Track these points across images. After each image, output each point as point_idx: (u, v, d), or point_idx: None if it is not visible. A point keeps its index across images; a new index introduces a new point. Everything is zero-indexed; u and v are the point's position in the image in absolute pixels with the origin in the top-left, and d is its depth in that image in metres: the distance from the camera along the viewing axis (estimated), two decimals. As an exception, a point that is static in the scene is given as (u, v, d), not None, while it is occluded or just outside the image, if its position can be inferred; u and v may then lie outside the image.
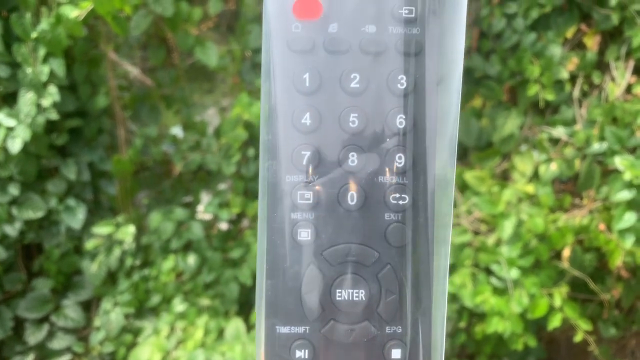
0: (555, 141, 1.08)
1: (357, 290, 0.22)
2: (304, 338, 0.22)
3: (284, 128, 0.22)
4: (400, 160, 0.22)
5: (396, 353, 0.22)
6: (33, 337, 1.13)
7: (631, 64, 1.07)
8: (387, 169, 0.22)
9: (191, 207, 1.26)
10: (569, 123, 1.09)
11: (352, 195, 0.22)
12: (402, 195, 0.22)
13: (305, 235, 0.22)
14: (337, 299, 0.22)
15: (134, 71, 1.43)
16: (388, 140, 0.22)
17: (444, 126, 0.22)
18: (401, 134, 0.22)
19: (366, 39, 0.22)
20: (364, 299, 0.22)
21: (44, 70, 0.99)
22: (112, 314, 1.13)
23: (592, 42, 1.09)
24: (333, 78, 0.22)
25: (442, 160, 0.22)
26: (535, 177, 1.07)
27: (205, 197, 1.29)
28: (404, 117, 0.22)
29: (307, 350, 0.22)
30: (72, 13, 0.94)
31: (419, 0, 0.22)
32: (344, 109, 0.22)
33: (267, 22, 0.22)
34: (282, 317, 0.22)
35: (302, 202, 0.22)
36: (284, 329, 0.22)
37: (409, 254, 0.22)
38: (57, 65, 0.99)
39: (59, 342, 1.15)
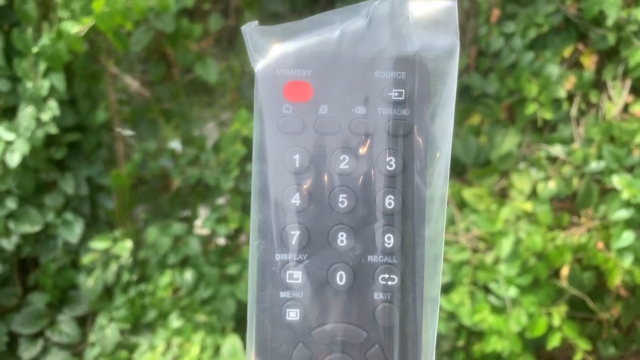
0: (553, 159, 1.09)
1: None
2: None
3: (274, 208, 0.22)
4: (389, 241, 0.22)
5: None
6: (27, 352, 1.12)
7: (628, 83, 1.08)
8: (376, 249, 0.22)
9: (189, 222, 1.26)
10: (567, 141, 1.09)
11: (341, 276, 0.22)
12: (391, 276, 0.22)
13: (293, 315, 0.22)
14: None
15: (133, 84, 1.44)
16: (377, 220, 0.22)
17: (432, 205, 0.22)
18: (390, 214, 0.22)
19: (356, 121, 0.22)
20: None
21: (44, 85, 1.00)
22: (108, 330, 1.11)
23: (589, 62, 1.10)
24: (323, 159, 0.22)
25: (431, 236, 0.22)
26: (533, 195, 1.07)
27: (203, 212, 1.29)
28: (392, 197, 0.22)
29: None
30: (73, 29, 0.95)
31: (408, 83, 0.22)
32: (333, 189, 0.22)
33: (258, 103, 0.23)
34: None
35: (291, 282, 0.22)
36: None
37: (397, 333, 0.22)
38: (57, 80, 1.00)
39: (54, 357, 1.13)
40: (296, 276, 0.22)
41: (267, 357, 0.22)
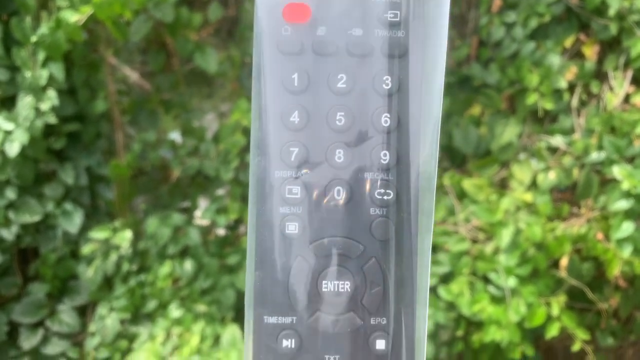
0: (553, 150, 1.08)
1: (342, 282, 0.23)
2: (290, 328, 0.23)
3: (274, 126, 0.23)
4: (385, 157, 0.23)
5: (380, 344, 0.23)
6: (27, 342, 1.12)
7: (629, 73, 1.07)
8: (372, 166, 0.23)
9: (188, 212, 1.26)
10: (568, 132, 1.09)
11: (339, 191, 0.23)
12: (387, 191, 0.23)
13: (292, 228, 0.23)
14: (323, 290, 0.23)
15: (133, 76, 1.43)
16: (373, 138, 0.23)
17: (427, 125, 0.23)
18: (386, 132, 0.23)
19: (353, 42, 0.23)
20: (349, 290, 0.23)
21: (43, 74, 0.99)
22: (108, 320, 1.12)
23: (590, 52, 1.09)
24: (321, 78, 0.23)
25: (425, 156, 0.23)
26: (533, 185, 1.07)
27: (202, 203, 1.29)
28: (388, 116, 0.23)
29: (293, 340, 0.23)
30: (72, 18, 0.94)
31: (404, 5, 0.23)
32: (331, 108, 0.23)
33: (258, 25, 0.23)
34: (269, 308, 0.23)
35: (290, 197, 0.23)
36: (271, 319, 0.23)
37: (392, 247, 0.23)
38: (56, 69, 0.99)
39: (54, 347, 1.14)
40: (295, 191, 0.23)
41: (267, 271, 0.23)
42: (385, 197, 0.23)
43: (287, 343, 0.23)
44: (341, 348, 0.23)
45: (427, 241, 0.24)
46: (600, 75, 1.12)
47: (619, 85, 1.07)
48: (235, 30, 1.31)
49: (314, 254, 0.23)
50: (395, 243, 0.23)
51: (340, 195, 0.23)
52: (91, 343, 1.13)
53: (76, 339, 1.19)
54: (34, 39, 0.97)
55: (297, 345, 0.23)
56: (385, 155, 0.23)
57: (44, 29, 0.96)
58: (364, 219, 0.23)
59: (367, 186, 0.23)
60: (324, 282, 0.23)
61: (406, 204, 0.23)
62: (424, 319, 0.24)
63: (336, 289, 0.23)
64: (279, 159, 0.23)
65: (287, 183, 0.23)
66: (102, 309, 1.13)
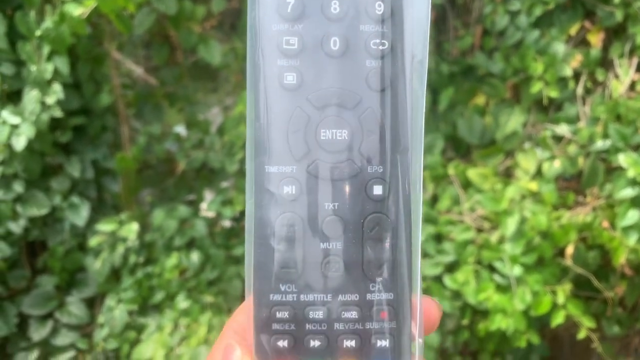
0: (558, 139, 1.08)
1: (340, 130, 0.23)
2: (291, 176, 0.23)
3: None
4: (379, 8, 0.23)
5: (377, 189, 0.24)
6: (37, 333, 1.14)
7: (635, 61, 1.07)
8: (367, 17, 0.23)
9: (194, 205, 1.27)
10: (573, 120, 1.08)
11: (335, 41, 0.23)
12: (382, 41, 0.23)
13: (291, 79, 0.23)
14: (322, 138, 0.23)
15: (137, 70, 1.44)
16: None
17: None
18: None
19: None
20: (346, 138, 0.23)
21: (48, 68, 1.00)
22: (116, 311, 1.13)
23: (595, 39, 1.09)
24: None
25: (421, 6, 0.24)
26: (538, 174, 1.07)
27: (208, 196, 1.30)
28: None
29: (294, 187, 0.23)
30: (76, 11, 0.95)
31: None
32: None
33: None
34: (270, 157, 0.24)
35: (287, 48, 0.23)
36: (272, 169, 0.23)
37: (388, 97, 0.24)
38: (61, 63, 1.00)
39: (63, 338, 1.15)
40: (292, 42, 0.23)
41: (267, 120, 0.23)
42: (380, 47, 0.23)
43: (288, 189, 0.23)
44: (340, 195, 0.23)
45: (421, 88, 0.24)
46: (605, 63, 1.11)
47: (624, 73, 1.06)
48: (238, 22, 1.31)
49: (312, 104, 0.23)
50: (391, 93, 0.24)
51: (336, 46, 0.23)
52: (100, 334, 1.14)
53: (85, 330, 1.20)
54: (38, 33, 0.97)
55: (298, 192, 0.23)
56: (380, 5, 0.23)
57: (48, 22, 0.96)
58: (360, 69, 0.23)
59: (363, 37, 0.23)
60: (322, 130, 0.23)
61: (400, 54, 0.24)
62: (420, 164, 0.24)
63: (334, 137, 0.23)
64: (276, 11, 0.23)
65: (284, 34, 0.23)
66: (110, 301, 1.14)
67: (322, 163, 0.23)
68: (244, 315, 0.25)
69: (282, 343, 0.23)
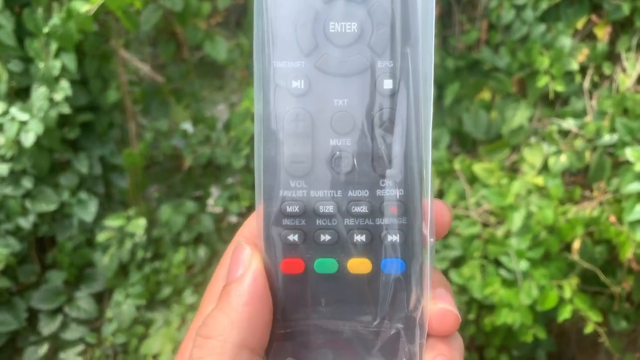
0: (565, 133, 1.08)
1: (349, 23, 0.23)
2: (299, 71, 0.23)
3: None
4: None
5: (387, 83, 0.23)
6: (47, 327, 1.15)
7: (643, 54, 1.06)
8: None
9: (201, 200, 1.27)
10: (579, 115, 1.08)
11: None
12: None
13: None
14: (331, 31, 0.23)
15: (144, 68, 1.44)
16: None
17: None
18: None
19: None
20: (356, 31, 0.23)
21: (56, 65, 1.01)
22: (124, 306, 1.14)
23: (602, 33, 1.08)
24: None
25: None
26: (544, 169, 1.06)
27: (215, 192, 1.30)
28: None
29: (302, 81, 0.23)
30: (83, 8, 0.95)
31: None
32: None
33: None
34: (278, 52, 0.23)
35: None
36: (280, 64, 0.23)
37: None
38: (69, 60, 1.01)
39: (72, 332, 1.17)
40: None
41: (275, 15, 0.23)
42: None
43: (297, 84, 0.23)
44: (349, 91, 0.23)
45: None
46: (612, 57, 1.10)
47: (631, 67, 1.06)
48: (244, 18, 1.32)
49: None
50: None
51: None
52: (108, 329, 1.15)
53: (94, 324, 1.21)
54: (46, 30, 0.98)
55: (306, 87, 0.23)
56: None
57: (55, 19, 0.97)
58: None
59: None
60: (331, 23, 0.23)
61: None
62: (430, 58, 0.23)
63: (343, 30, 0.23)
64: None
65: None
66: (118, 296, 1.15)
67: (330, 57, 0.23)
68: (254, 221, 0.25)
69: (293, 237, 0.23)
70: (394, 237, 0.23)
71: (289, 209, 0.23)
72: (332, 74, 0.23)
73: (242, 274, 0.23)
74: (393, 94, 0.23)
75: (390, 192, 0.23)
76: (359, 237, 0.23)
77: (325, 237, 0.23)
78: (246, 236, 0.26)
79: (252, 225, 0.26)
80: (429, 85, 0.23)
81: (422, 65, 0.23)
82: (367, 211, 0.23)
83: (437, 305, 0.24)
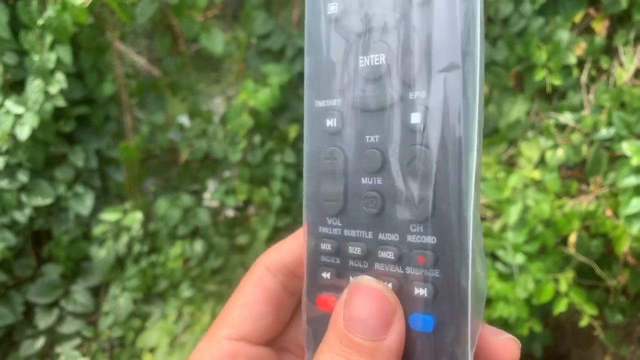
0: (562, 127, 1.08)
1: (377, 55, 0.22)
2: (334, 109, 0.23)
3: None
4: None
5: (415, 117, 0.21)
6: (43, 321, 1.15)
7: (640, 48, 1.06)
8: None
9: (198, 194, 1.27)
10: (577, 109, 1.08)
11: None
12: None
13: (333, 9, 0.23)
14: (360, 65, 0.22)
15: (140, 61, 1.43)
16: None
17: None
18: None
19: None
20: (383, 62, 0.22)
21: (51, 58, 1.00)
22: (121, 299, 1.14)
23: (600, 27, 1.08)
24: None
25: None
26: (541, 163, 1.06)
27: (211, 185, 1.30)
28: None
29: (335, 120, 0.23)
30: (78, 0, 0.94)
31: None
32: None
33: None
34: (315, 92, 0.23)
35: None
36: (319, 103, 0.23)
37: (430, 9, 0.21)
38: (64, 53, 1.00)
39: (69, 326, 1.16)
40: None
41: (314, 55, 0.23)
42: None
43: (331, 122, 0.23)
44: (379, 127, 0.22)
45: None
46: (610, 51, 1.10)
47: (629, 61, 1.05)
48: (240, 11, 1.31)
49: (353, 33, 0.22)
50: (435, 4, 0.20)
51: None
52: (105, 322, 1.15)
53: (90, 318, 1.21)
54: (40, 22, 0.97)
55: (339, 125, 0.23)
56: None
57: (50, 11, 0.96)
58: None
59: None
60: (360, 57, 0.22)
61: None
62: (476, 80, 0.20)
63: (372, 63, 0.22)
64: None
65: None
66: (115, 289, 1.15)
67: (361, 93, 0.22)
68: (276, 252, 0.25)
69: (326, 274, 0.23)
70: (421, 290, 0.21)
71: (323, 246, 0.23)
72: (364, 110, 0.22)
73: (388, 335, 0.20)
74: (423, 129, 0.21)
75: (421, 238, 0.21)
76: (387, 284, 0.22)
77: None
78: (268, 265, 0.25)
79: (275, 255, 0.25)
80: (471, 113, 0.20)
81: (464, 90, 0.20)
82: (394, 258, 0.21)
83: (501, 337, 0.23)
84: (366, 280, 0.21)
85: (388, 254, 0.21)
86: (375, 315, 0.20)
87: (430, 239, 0.21)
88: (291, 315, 0.26)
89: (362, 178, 0.22)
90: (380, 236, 0.22)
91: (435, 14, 0.20)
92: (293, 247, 0.25)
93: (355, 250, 0.22)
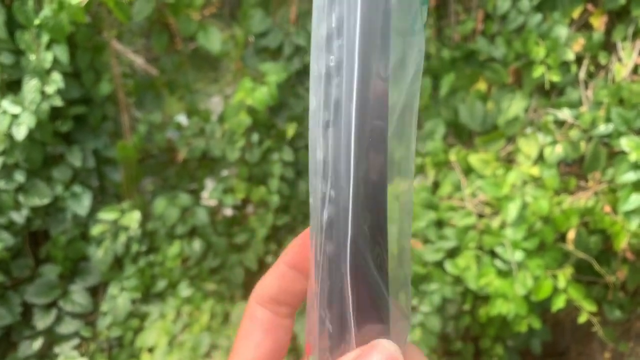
0: (560, 123, 1.07)
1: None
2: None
3: None
4: None
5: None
6: (41, 322, 1.14)
7: (638, 44, 1.06)
8: None
9: (196, 193, 1.27)
10: (575, 105, 1.08)
11: None
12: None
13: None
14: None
15: (137, 60, 1.43)
16: None
17: None
18: None
19: None
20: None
21: (48, 57, 1.00)
22: (119, 299, 1.14)
23: (598, 23, 1.07)
24: None
25: None
26: (540, 159, 1.06)
27: (209, 184, 1.30)
28: None
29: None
30: (74, -2, 0.94)
31: None
32: None
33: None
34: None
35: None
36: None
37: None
38: (61, 52, 0.99)
39: (67, 326, 1.16)
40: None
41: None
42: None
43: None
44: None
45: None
46: (608, 46, 1.10)
47: (627, 56, 1.05)
48: (237, 9, 1.30)
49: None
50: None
51: None
52: (103, 322, 1.15)
53: (88, 318, 1.21)
54: (37, 21, 0.97)
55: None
56: None
57: (46, 11, 0.96)
58: None
59: None
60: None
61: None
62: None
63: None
64: None
65: None
66: (113, 289, 1.15)
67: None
68: (266, 283, 0.25)
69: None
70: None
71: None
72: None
73: None
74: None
75: None
76: None
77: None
78: (257, 300, 0.26)
79: (260, 291, 0.26)
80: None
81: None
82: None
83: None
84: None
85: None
86: None
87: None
88: (291, 335, 0.27)
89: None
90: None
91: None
92: (272, 279, 0.26)
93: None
